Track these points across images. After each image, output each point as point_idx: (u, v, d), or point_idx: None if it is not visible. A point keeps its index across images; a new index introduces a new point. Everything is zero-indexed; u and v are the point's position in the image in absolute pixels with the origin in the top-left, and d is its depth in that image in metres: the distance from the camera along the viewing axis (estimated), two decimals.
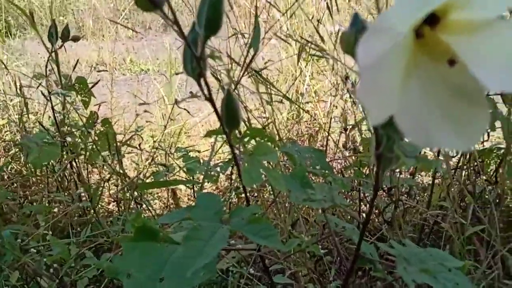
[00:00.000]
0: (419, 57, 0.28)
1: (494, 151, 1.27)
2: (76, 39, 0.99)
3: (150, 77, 3.20)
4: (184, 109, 0.88)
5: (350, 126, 1.30)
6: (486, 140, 1.24)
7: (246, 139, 0.66)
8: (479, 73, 0.25)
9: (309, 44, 0.99)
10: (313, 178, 1.02)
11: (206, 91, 0.44)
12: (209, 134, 0.60)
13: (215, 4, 0.42)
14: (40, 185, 1.45)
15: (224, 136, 1.13)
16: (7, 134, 1.66)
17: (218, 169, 1.19)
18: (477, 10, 0.27)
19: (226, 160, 1.35)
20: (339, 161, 1.28)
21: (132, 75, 3.46)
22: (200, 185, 1.22)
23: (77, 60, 1.07)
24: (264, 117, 1.26)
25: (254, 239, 0.51)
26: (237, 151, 0.53)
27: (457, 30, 0.27)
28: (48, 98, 0.98)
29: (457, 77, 0.28)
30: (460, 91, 0.28)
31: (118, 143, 0.96)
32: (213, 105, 0.46)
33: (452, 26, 0.27)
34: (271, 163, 0.93)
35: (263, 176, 0.48)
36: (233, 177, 1.35)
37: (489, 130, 1.19)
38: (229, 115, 0.47)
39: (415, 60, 0.27)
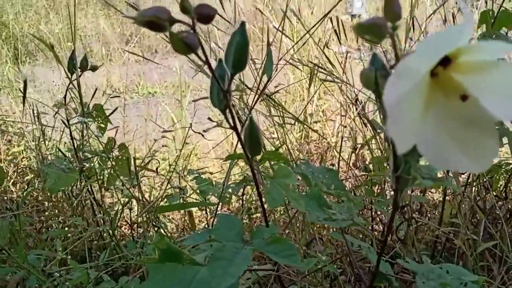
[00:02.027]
0: (434, 93, 0.32)
1: (503, 166, 1.28)
2: (94, 68, 1.04)
3: (157, 99, 3.26)
4: (200, 133, 0.91)
5: (360, 145, 1.32)
6: None
7: (263, 162, 0.68)
8: (488, 105, 0.30)
9: (318, 68, 1.03)
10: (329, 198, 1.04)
11: (231, 121, 0.48)
12: (229, 157, 0.62)
13: (242, 47, 0.49)
14: (55, 210, 1.47)
15: (237, 158, 1.15)
16: (23, 161, 1.69)
17: (230, 190, 1.22)
18: (481, 54, 0.32)
19: (238, 181, 1.37)
20: (350, 180, 1.30)
21: (140, 98, 3.53)
22: (214, 207, 1.24)
23: (96, 89, 1.11)
24: (274, 138, 1.28)
25: (275, 259, 0.54)
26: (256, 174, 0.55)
27: (466, 70, 0.32)
28: (67, 125, 1.02)
29: (468, 109, 0.32)
30: (472, 121, 0.32)
31: (136, 167, 0.99)
32: (238, 134, 0.49)
33: (462, 66, 0.32)
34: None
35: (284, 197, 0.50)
36: (245, 198, 1.37)
37: None
38: (252, 142, 0.50)
39: (431, 96, 0.32)
